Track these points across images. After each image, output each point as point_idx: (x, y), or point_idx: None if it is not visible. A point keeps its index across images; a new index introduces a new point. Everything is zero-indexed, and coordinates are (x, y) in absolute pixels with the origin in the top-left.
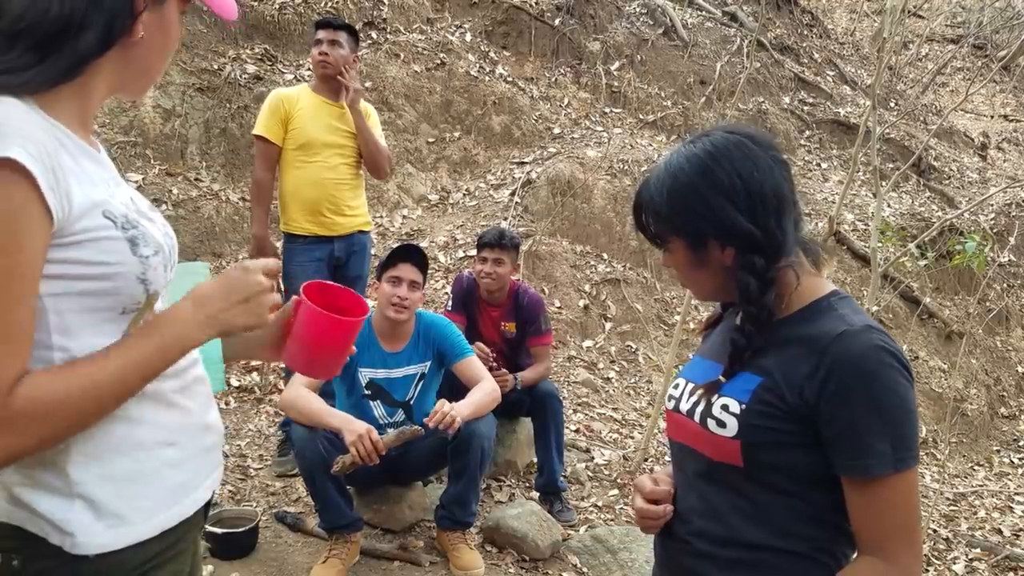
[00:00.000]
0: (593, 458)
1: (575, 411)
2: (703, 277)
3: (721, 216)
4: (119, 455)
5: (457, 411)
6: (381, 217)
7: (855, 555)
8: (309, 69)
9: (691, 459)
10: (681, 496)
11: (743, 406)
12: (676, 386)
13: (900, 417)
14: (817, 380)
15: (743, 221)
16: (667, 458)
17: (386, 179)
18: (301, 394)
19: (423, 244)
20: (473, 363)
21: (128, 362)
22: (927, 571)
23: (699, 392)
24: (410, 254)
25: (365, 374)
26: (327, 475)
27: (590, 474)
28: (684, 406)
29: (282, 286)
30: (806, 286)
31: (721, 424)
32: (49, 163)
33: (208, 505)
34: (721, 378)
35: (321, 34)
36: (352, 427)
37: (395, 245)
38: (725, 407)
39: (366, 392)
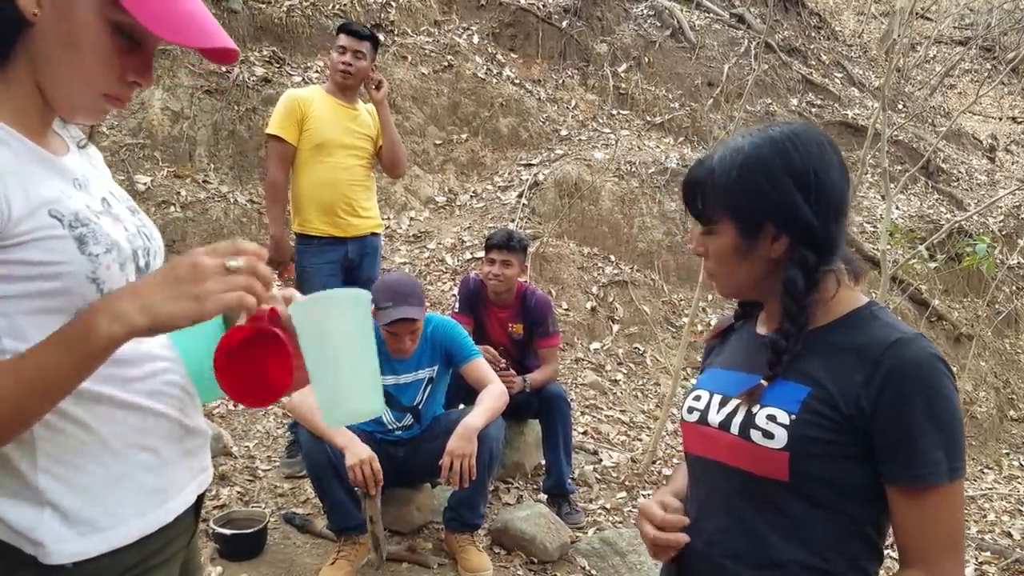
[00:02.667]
0: (601, 460)
1: (583, 413)
2: (743, 267)
3: (788, 201)
4: (87, 460)
5: (463, 451)
6: (388, 219)
7: (879, 569)
8: (317, 71)
9: (722, 474)
10: (705, 515)
11: (792, 416)
12: (697, 398)
13: (953, 426)
14: (874, 388)
15: (807, 211)
16: (675, 460)
17: (403, 176)
18: (307, 401)
19: (430, 246)
20: (480, 365)
21: (43, 361)
22: None
23: (734, 403)
24: (405, 320)
25: None
26: (335, 477)
27: (598, 476)
28: (715, 418)
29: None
30: (842, 296)
31: (768, 435)
32: None
33: (198, 509)
34: (763, 382)
35: (345, 41)
36: (355, 450)
37: (402, 247)
38: (772, 417)
39: None
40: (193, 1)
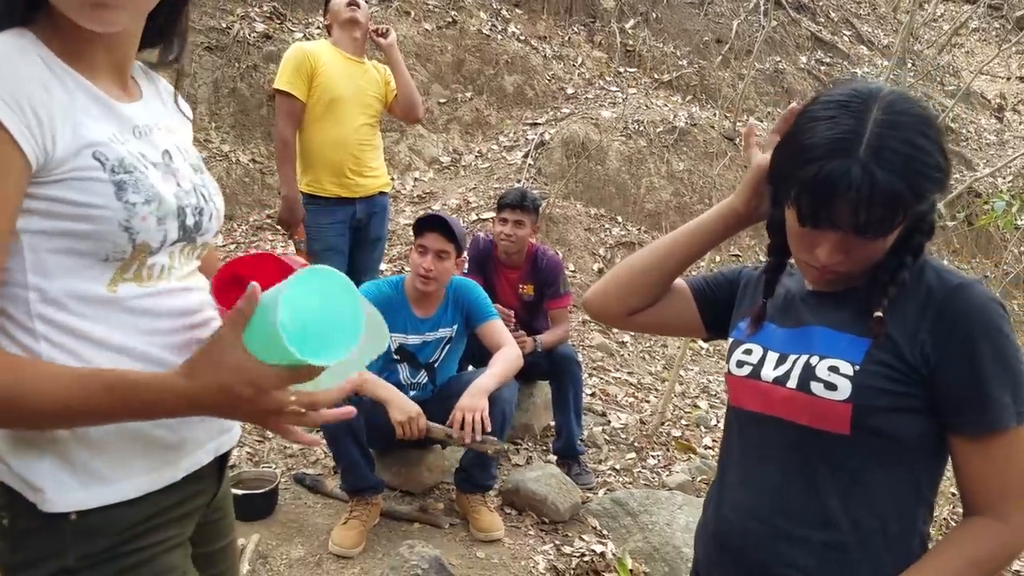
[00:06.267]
0: (609, 422)
1: (590, 375)
2: (880, 253)
3: (946, 156)
4: None
5: (475, 406)
6: (393, 179)
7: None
8: (319, 28)
9: (777, 430)
10: (756, 472)
11: (856, 367)
12: (748, 351)
13: (1018, 368)
14: (940, 333)
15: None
16: (684, 422)
17: (420, 121)
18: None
19: (435, 207)
20: (497, 326)
21: (87, 397)
22: None
23: (792, 358)
24: (435, 223)
25: (396, 339)
26: (351, 437)
27: (607, 437)
28: (769, 373)
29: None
30: None
31: (831, 387)
32: (29, 104)
33: (222, 469)
34: (880, 314)
35: None
36: (402, 406)
37: (407, 208)
38: (834, 368)
39: (395, 357)
40: None
